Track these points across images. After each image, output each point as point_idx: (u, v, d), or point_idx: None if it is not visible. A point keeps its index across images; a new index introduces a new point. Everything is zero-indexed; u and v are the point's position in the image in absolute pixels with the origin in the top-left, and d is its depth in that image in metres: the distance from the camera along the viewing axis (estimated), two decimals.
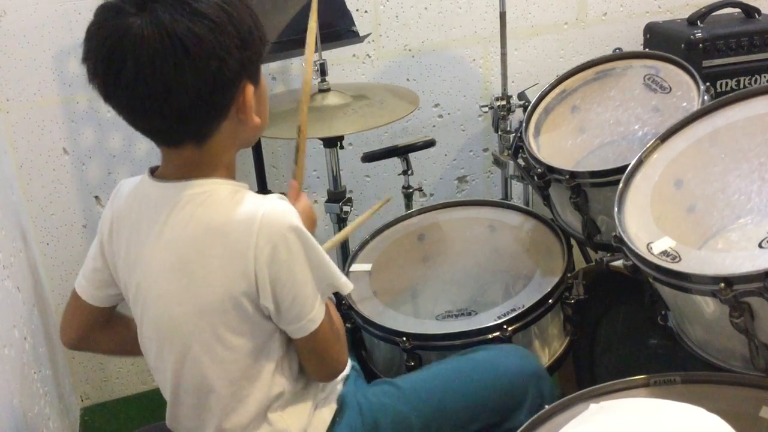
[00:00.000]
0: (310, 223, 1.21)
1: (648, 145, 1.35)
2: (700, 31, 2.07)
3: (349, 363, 1.26)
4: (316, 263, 1.07)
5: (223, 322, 1.06)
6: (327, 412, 1.20)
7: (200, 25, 0.96)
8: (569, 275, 1.51)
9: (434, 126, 2.36)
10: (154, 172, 1.11)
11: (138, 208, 1.11)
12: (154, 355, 1.15)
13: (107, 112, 1.98)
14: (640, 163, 1.34)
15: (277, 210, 1.04)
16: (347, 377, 1.27)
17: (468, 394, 1.26)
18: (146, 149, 2.08)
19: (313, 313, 1.08)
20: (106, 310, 1.21)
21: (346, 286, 1.13)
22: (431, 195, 2.41)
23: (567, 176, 1.47)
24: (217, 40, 0.97)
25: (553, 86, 1.74)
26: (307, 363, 1.15)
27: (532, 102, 1.74)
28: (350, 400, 1.24)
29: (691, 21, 2.14)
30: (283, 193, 1.13)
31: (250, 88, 1.04)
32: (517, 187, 2.20)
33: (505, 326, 1.38)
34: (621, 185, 1.30)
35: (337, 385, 1.24)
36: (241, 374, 1.10)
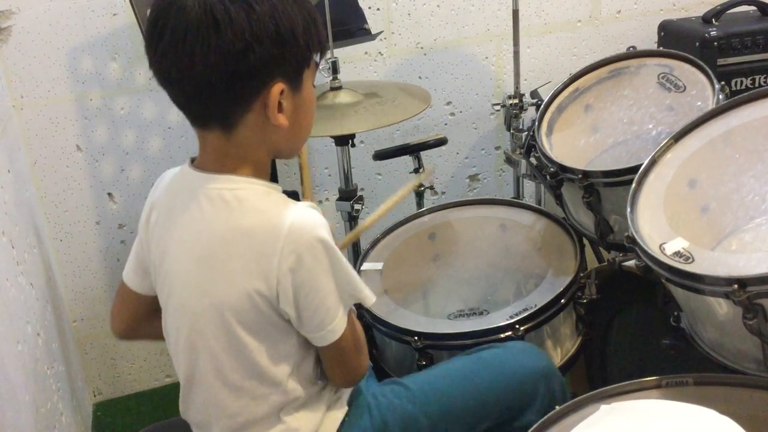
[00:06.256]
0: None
1: (661, 145, 1.34)
2: (714, 29, 2.05)
3: None
4: (341, 275, 1.07)
5: (239, 321, 1.06)
6: (338, 413, 1.20)
7: (238, 7, 0.97)
8: (582, 275, 1.50)
9: (446, 124, 2.35)
10: (194, 161, 1.12)
11: (173, 195, 1.12)
12: (173, 342, 1.16)
13: (120, 110, 1.99)
14: (653, 162, 1.33)
15: (308, 219, 1.04)
16: None
17: (477, 393, 1.25)
18: (159, 146, 2.09)
19: (335, 324, 1.09)
20: (152, 298, 1.22)
21: (369, 298, 1.14)
22: (443, 193, 2.41)
23: (580, 175, 1.47)
24: (250, 27, 0.97)
25: (566, 85, 1.73)
26: (329, 370, 1.17)
27: (545, 100, 1.73)
28: (360, 400, 1.24)
29: (706, 19, 2.12)
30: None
31: (279, 87, 1.02)
32: (529, 186, 2.19)
33: (517, 326, 1.38)
34: (634, 185, 1.30)
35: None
36: (254, 374, 1.10)
